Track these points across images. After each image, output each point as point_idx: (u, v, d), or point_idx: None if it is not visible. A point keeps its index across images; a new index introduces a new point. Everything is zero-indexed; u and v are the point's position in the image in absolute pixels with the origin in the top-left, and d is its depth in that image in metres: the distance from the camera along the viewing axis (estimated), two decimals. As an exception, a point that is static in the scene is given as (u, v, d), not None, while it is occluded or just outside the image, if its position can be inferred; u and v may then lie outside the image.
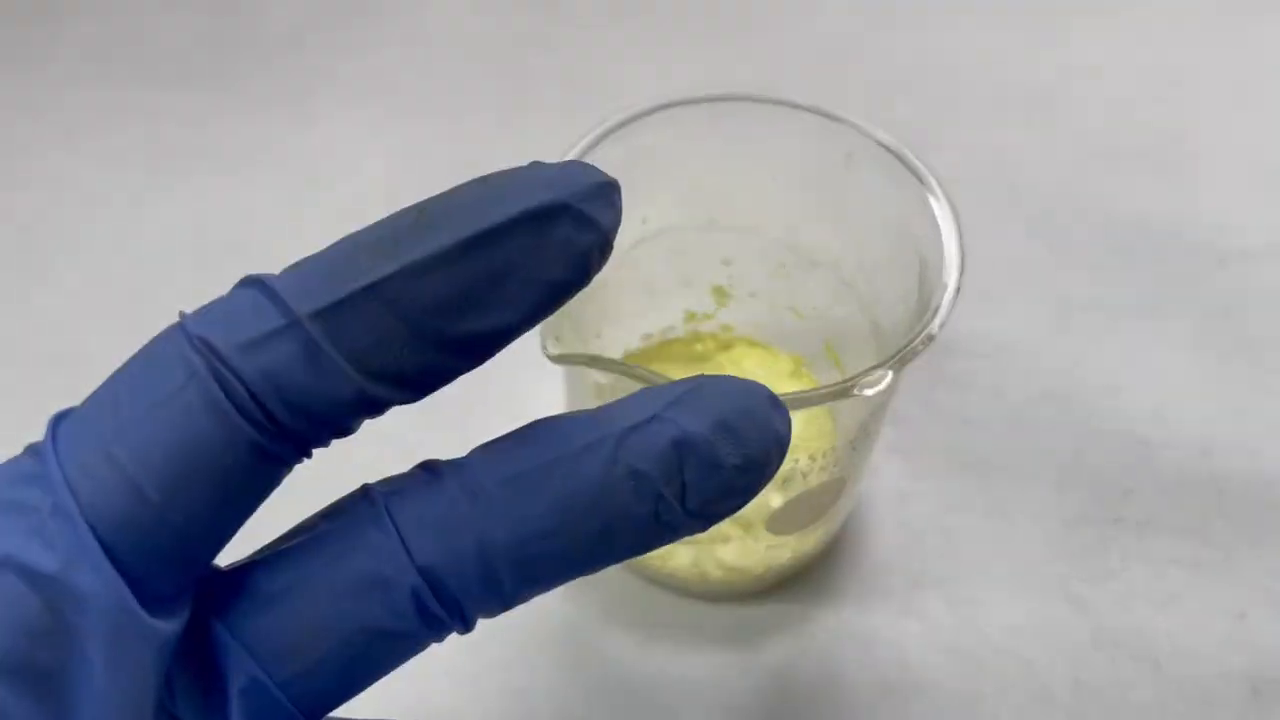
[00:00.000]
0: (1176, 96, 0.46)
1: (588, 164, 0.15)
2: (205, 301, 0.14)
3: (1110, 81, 0.47)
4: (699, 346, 0.34)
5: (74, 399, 0.15)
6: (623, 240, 0.29)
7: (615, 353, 0.34)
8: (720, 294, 0.33)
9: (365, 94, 0.46)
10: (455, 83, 0.46)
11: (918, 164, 0.26)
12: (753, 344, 0.34)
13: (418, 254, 0.14)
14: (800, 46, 0.48)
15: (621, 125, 0.27)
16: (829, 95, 0.29)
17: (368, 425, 0.15)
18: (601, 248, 0.14)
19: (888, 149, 0.27)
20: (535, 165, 0.15)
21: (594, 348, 0.32)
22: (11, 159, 0.43)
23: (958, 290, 0.24)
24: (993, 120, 0.45)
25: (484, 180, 0.14)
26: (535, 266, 0.14)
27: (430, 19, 0.49)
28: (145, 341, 0.15)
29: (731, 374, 0.33)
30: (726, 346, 0.34)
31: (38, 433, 0.14)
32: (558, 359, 0.23)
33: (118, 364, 0.15)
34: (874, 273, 0.29)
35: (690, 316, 0.34)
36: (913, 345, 0.23)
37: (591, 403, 0.29)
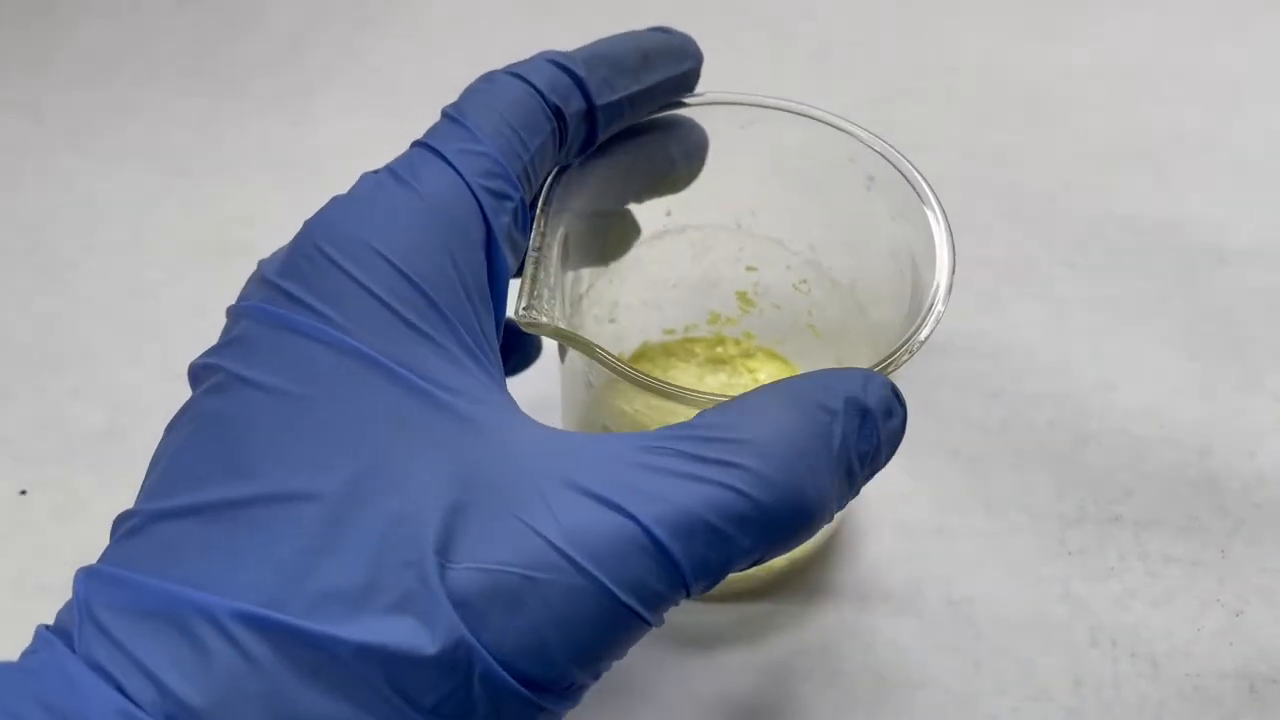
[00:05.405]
0: (1172, 97, 0.46)
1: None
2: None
3: (1107, 82, 0.47)
4: (721, 349, 0.34)
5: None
6: (644, 229, 0.29)
7: (633, 342, 0.33)
8: (745, 300, 0.33)
9: (366, 95, 0.46)
10: (456, 83, 0.46)
11: (913, 169, 0.26)
12: (773, 355, 0.34)
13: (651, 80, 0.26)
14: (799, 48, 0.48)
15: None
16: (828, 97, 0.29)
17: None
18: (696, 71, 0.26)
19: (883, 157, 0.27)
20: (666, 34, 0.27)
21: (607, 332, 0.32)
22: (16, 160, 0.43)
23: (949, 290, 0.24)
24: (991, 120, 0.45)
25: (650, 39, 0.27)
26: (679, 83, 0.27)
27: (430, 20, 0.49)
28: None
29: (749, 381, 0.33)
30: (749, 354, 0.34)
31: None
32: (529, 327, 0.22)
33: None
34: (876, 293, 0.29)
35: (714, 318, 0.34)
36: (897, 355, 0.24)
37: (584, 400, 0.28)
